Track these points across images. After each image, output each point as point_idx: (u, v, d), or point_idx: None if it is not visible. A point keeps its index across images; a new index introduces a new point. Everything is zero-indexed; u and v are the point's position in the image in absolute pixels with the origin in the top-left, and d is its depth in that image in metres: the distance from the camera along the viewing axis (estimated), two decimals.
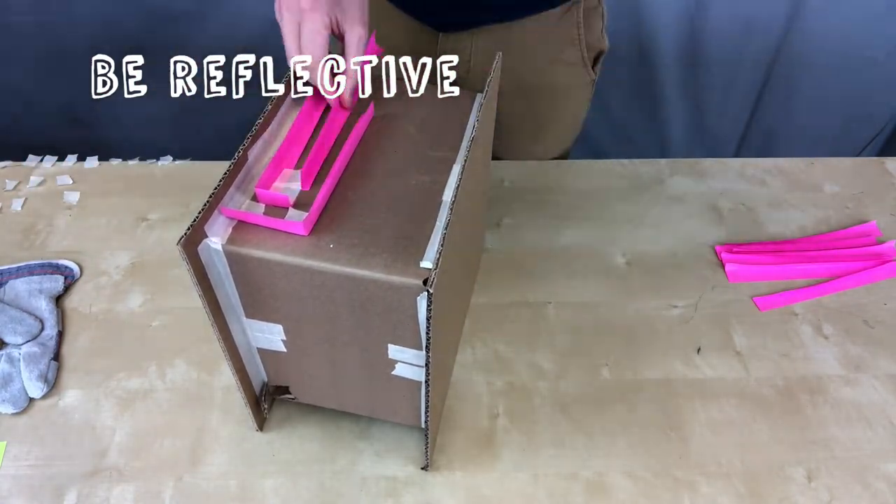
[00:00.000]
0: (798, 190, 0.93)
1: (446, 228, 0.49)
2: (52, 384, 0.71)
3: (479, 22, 0.86)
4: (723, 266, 0.83)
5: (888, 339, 0.77)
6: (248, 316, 0.56)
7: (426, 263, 0.49)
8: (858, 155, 1.66)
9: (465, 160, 0.53)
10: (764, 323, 0.78)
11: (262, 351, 0.61)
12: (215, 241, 0.50)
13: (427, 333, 0.50)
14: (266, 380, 0.66)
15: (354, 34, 0.58)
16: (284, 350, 0.59)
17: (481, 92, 0.62)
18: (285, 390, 0.66)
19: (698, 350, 0.75)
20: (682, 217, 0.89)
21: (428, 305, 0.48)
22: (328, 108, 0.60)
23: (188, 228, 0.48)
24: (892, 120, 1.61)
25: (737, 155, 1.69)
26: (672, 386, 0.72)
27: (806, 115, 1.60)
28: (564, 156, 1.05)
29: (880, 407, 0.71)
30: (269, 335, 0.58)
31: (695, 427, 0.69)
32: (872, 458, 0.67)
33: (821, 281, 0.82)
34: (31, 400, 0.70)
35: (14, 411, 0.68)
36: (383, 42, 0.85)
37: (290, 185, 0.54)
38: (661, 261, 0.84)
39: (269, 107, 0.56)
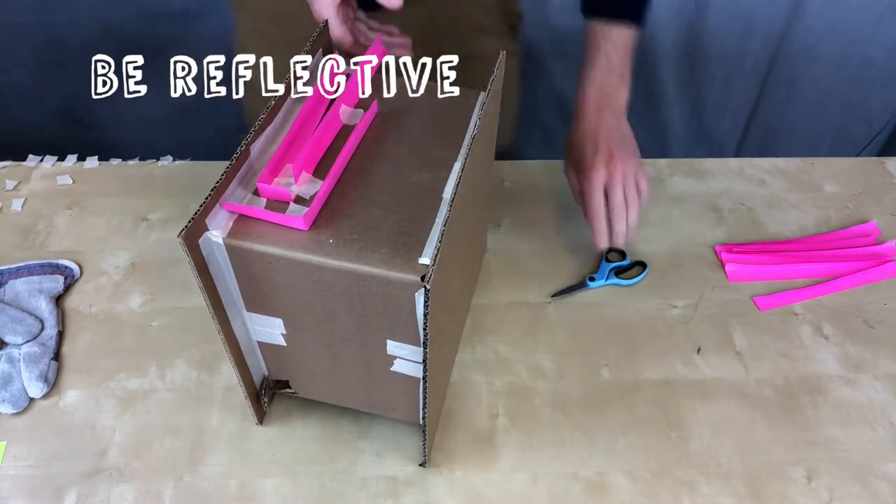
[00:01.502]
0: (798, 190, 0.93)
1: (445, 225, 0.49)
2: (52, 384, 0.71)
3: None
4: (723, 266, 0.83)
5: (888, 339, 0.77)
6: (248, 309, 0.57)
7: (424, 260, 0.49)
8: (858, 155, 1.65)
9: (466, 158, 0.53)
10: (764, 323, 0.78)
11: (262, 344, 0.61)
12: (216, 234, 0.50)
13: (424, 330, 0.50)
14: (266, 374, 0.66)
15: None
16: (284, 344, 0.59)
17: (484, 90, 0.62)
18: (285, 384, 0.66)
19: (698, 350, 0.75)
20: (682, 217, 0.89)
21: (426, 301, 0.48)
22: (331, 103, 0.60)
23: (189, 221, 0.48)
24: (892, 120, 1.60)
25: (737, 155, 1.69)
26: (672, 386, 0.72)
27: (806, 114, 1.59)
28: (510, 147, 1.03)
29: (880, 407, 0.71)
30: (270, 329, 0.58)
31: (695, 427, 0.69)
32: (872, 459, 0.67)
33: (821, 281, 0.82)
34: (31, 400, 0.70)
35: (14, 411, 0.68)
36: (288, 30, 0.83)
37: (291, 180, 0.54)
38: (661, 261, 0.84)
39: (273, 102, 0.57)
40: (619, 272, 0.82)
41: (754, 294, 0.81)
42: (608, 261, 0.82)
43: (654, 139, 1.65)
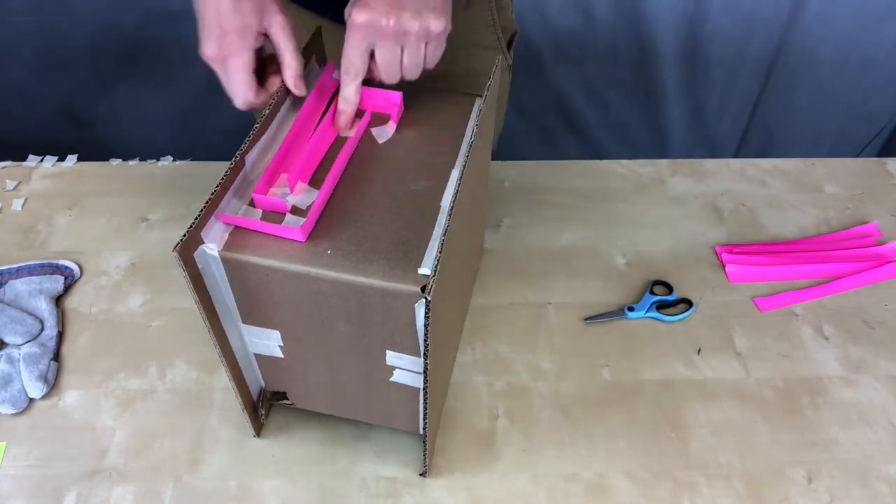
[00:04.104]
0: (798, 190, 0.93)
1: (444, 235, 0.49)
2: (52, 384, 0.71)
3: None
4: (723, 267, 0.83)
5: (889, 340, 0.77)
6: (245, 322, 0.56)
7: (424, 270, 0.49)
8: (858, 155, 1.65)
9: (464, 165, 0.53)
10: (764, 324, 0.78)
11: (259, 357, 0.61)
12: (212, 247, 0.50)
13: (425, 340, 0.50)
14: (263, 385, 0.65)
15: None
16: (282, 356, 0.59)
17: (480, 96, 0.62)
18: (283, 396, 0.65)
19: (699, 351, 0.75)
20: (683, 217, 0.89)
21: (426, 313, 0.47)
22: (325, 111, 0.60)
23: (184, 235, 0.47)
24: (892, 120, 1.60)
25: (737, 155, 1.69)
26: (672, 387, 0.72)
27: (806, 115, 1.59)
28: (491, 156, 1.04)
29: (881, 408, 0.71)
30: (267, 341, 0.58)
31: (695, 428, 0.69)
32: (873, 460, 0.67)
33: (821, 282, 0.82)
34: (31, 400, 0.70)
35: (14, 411, 0.68)
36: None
37: (287, 190, 0.54)
38: (661, 261, 0.84)
39: (267, 111, 0.56)
40: (661, 306, 0.78)
41: (755, 295, 0.80)
42: (652, 293, 0.79)
43: (654, 139, 1.65)
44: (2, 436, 0.67)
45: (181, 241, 0.47)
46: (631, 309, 0.77)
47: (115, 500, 0.63)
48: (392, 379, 0.57)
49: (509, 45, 0.92)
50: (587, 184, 0.93)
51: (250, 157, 0.55)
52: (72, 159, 0.94)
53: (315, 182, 0.55)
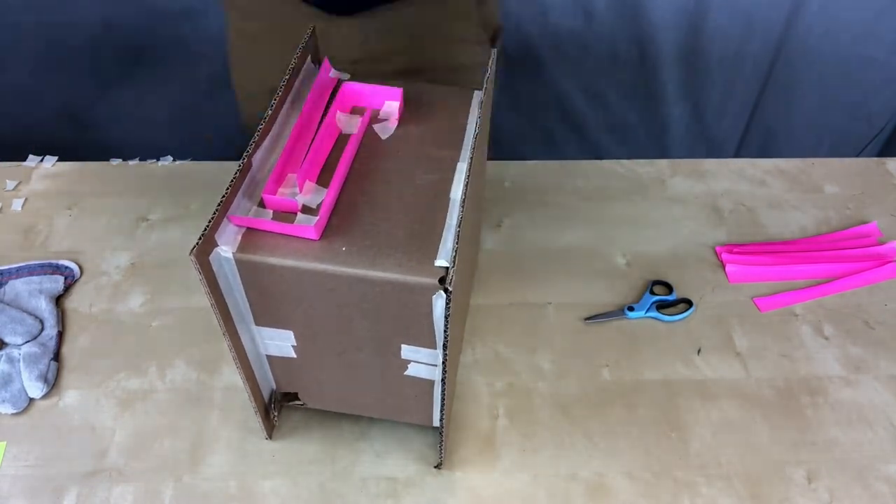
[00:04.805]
0: (798, 190, 0.93)
1: (459, 226, 0.49)
2: (52, 384, 0.71)
3: (369, 4, 0.83)
4: (723, 267, 0.83)
5: (889, 340, 0.77)
6: (258, 324, 0.56)
7: (441, 262, 0.49)
8: (858, 155, 1.65)
9: (471, 158, 0.53)
10: (764, 324, 0.78)
11: (271, 358, 0.60)
12: (226, 249, 0.49)
13: (445, 332, 0.50)
14: (274, 387, 0.65)
15: None
16: (294, 356, 0.59)
17: (479, 89, 0.62)
18: (294, 397, 0.65)
19: (699, 351, 0.75)
20: (683, 217, 0.89)
21: (446, 303, 0.48)
22: (326, 109, 0.60)
23: (200, 238, 0.47)
24: (892, 120, 1.60)
25: (737, 155, 1.69)
26: (672, 387, 0.72)
27: (806, 114, 1.59)
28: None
29: (881, 408, 0.71)
30: (280, 342, 0.57)
31: (695, 428, 0.69)
32: (873, 460, 0.67)
33: (821, 282, 0.82)
34: (31, 400, 0.70)
35: (14, 411, 0.68)
36: (271, 31, 0.84)
37: (296, 190, 0.54)
38: (661, 261, 0.84)
39: (270, 111, 0.56)
40: (661, 306, 0.78)
41: (755, 295, 0.80)
42: (652, 293, 0.79)
43: (654, 139, 1.65)
44: (2, 436, 0.67)
45: (197, 244, 0.47)
46: (631, 309, 0.77)
47: (115, 500, 0.63)
48: (407, 373, 0.57)
49: (493, 41, 0.92)
50: (587, 184, 0.93)
51: (256, 158, 0.55)
52: (72, 159, 0.94)
53: (322, 180, 0.54)
